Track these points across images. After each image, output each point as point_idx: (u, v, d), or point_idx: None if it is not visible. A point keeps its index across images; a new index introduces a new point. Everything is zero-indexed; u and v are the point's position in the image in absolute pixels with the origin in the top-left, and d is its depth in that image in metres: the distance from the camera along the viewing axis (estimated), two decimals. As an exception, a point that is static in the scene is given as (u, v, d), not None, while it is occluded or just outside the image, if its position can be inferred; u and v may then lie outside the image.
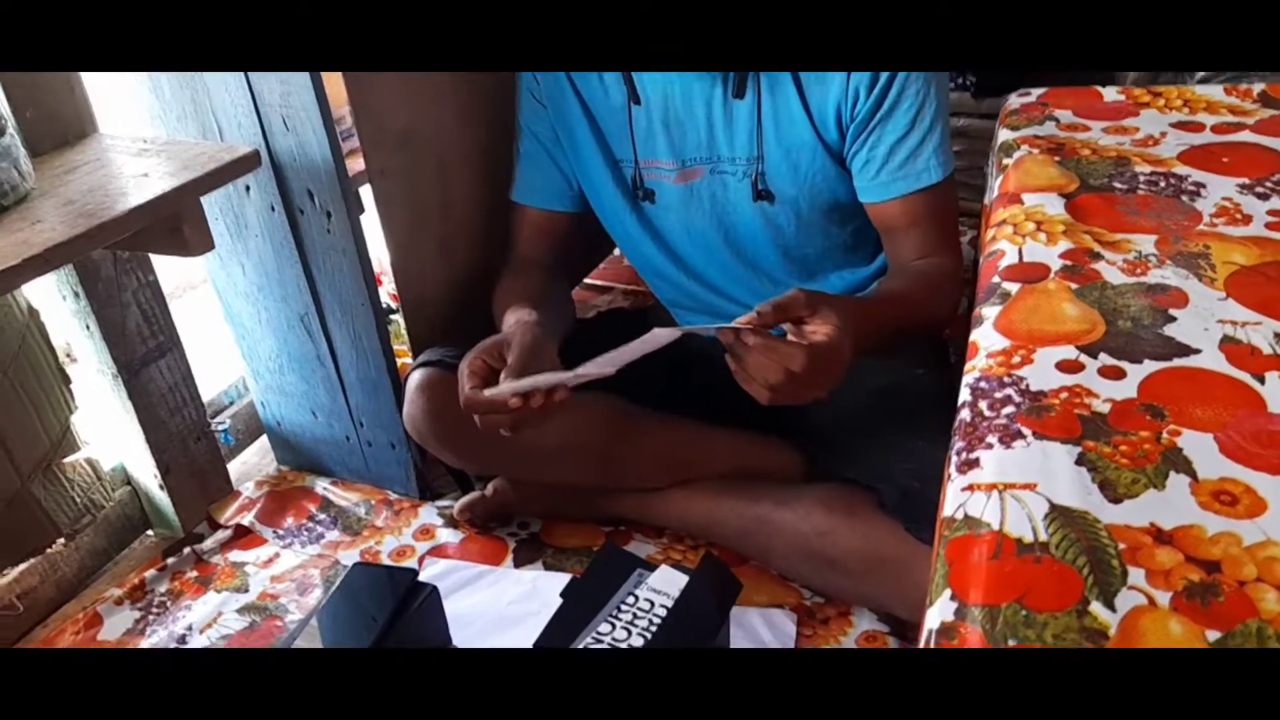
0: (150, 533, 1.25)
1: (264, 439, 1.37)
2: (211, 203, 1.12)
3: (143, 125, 1.11)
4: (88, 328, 1.09)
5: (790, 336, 0.81)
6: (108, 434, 1.19)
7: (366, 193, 1.13)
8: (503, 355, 0.89)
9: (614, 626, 0.88)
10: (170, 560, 1.17)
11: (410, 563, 1.14)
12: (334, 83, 1.05)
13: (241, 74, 1.02)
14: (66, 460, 1.13)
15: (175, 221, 0.94)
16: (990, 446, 0.57)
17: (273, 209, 1.11)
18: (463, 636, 1.01)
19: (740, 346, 0.79)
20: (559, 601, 0.98)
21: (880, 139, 0.98)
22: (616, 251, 1.70)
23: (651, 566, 0.95)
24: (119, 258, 1.09)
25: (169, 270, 1.38)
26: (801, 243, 1.09)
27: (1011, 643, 0.44)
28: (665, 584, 0.92)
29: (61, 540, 1.14)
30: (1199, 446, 0.55)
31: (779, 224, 1.07)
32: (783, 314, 0.80)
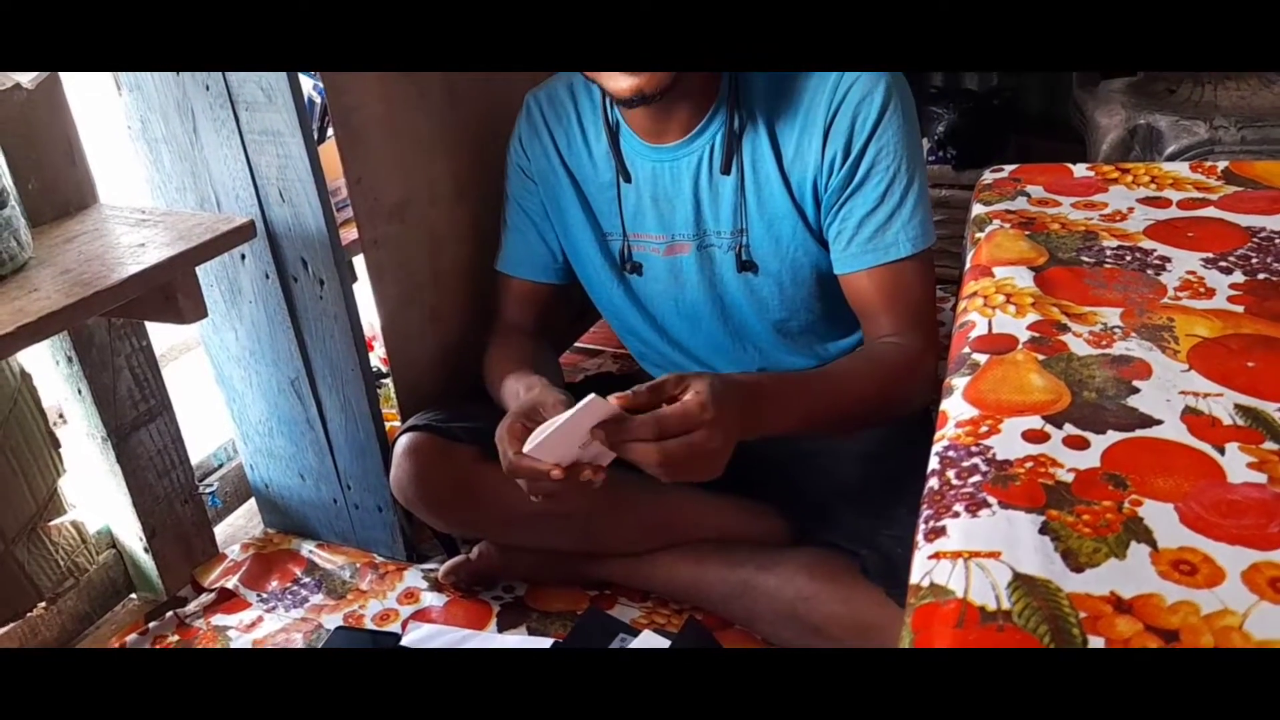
0: (133, 596, 1.24)
1: (251, 502, 1.38)
2: (207, 270, 1.14)
3: (143, 196, 1.14)
4: (79, 392, 1.11)
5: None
6: (95, 496, 1.19)
7: (359, 261, 1.16)
8: (538, 419, 0.90)
9: None
10: (152, 624, 1.17)
11: (394, 626, 1.14)
12: (330, 155, 1.08)
13: (240, 147, 1.06)
14: (52, 523, 1.14)
15: (170, 290, 0.96)
16: (957, 515, 0.58)
17: (267, 276, 1.13)
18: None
19: (606, 438, 0.82)
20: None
21: (851, 211, 1.01)
22: (606, 317, 1.73)
23: (634, 631, 0.95)
24: (113, 324, 1.11)
25: (163, 331, 1.40)
26: (786, 315, 1.11)
27: (972, 711, 0.44)
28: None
29: (43, 604, 1.13)
30: (1160, 516, 0.56)
31: (763, 296, 1.09)
32: (656, 395, 0.83)
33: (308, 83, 1.10)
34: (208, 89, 1.04)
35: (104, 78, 1.10)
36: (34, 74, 0.89)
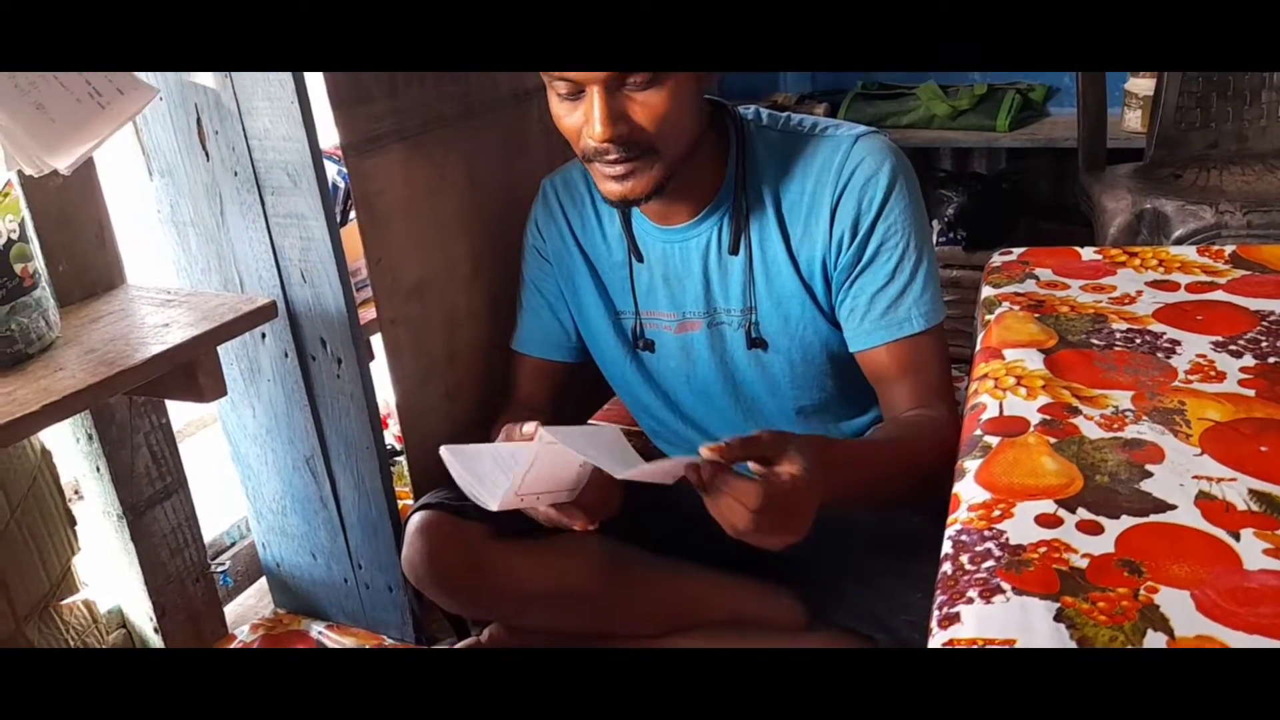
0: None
1: (262, 581, 1.37)
2: (227, 348, 1.17)
3: (170, 277, 1.17)
4: (98, 469, 1.12)
5: (755, 474, 0.82)
6: (107, 574, 1.19)
7: (377, 339, 1.18)
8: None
9: None
10: (159, 706, 1.15)
11: (402, 712, 1.12)
12: (351, 236, 1.11)
13: (265, 230, 1.09)
14: (64, 602, 1.14)
15: (191, 369, 0.98)
16: (970, 601, 0.58)
17: (286, 355, 1.15)
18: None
19: (706, 481, 0.80)
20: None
21: (862, 288, 1.02)
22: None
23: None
24: (134, 401, 1.13)
25: (180, 407, 1.42)
26: (798, 393, 1.11)
27: (989, 806, 0.43)
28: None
29: (51, 684, 1.12)
30: (1176, 603, 0.55)
31: (774, 373, 1.10)
32: (749, 450, 0.81)
33: (332, 168, 1.14)
34: (236, 174, 1.07)
35: (137, 163, 1.14)
36: (71, 160, 0.92)
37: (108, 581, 1.20)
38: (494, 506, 0.86)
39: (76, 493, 1.17)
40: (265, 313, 1.03)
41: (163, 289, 1.09)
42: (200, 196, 1.11)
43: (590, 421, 1.73)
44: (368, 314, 1.15)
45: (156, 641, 1.20)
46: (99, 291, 1.08)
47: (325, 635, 1.27)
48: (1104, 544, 0.61)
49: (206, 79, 1.04)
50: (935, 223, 2.11)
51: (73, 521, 1.14)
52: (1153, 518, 0.63)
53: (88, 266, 1.07)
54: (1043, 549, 0.61)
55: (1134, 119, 2.02)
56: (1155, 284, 1.03)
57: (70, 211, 1.04)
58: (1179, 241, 1.43)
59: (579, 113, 0.93)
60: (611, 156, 0.93)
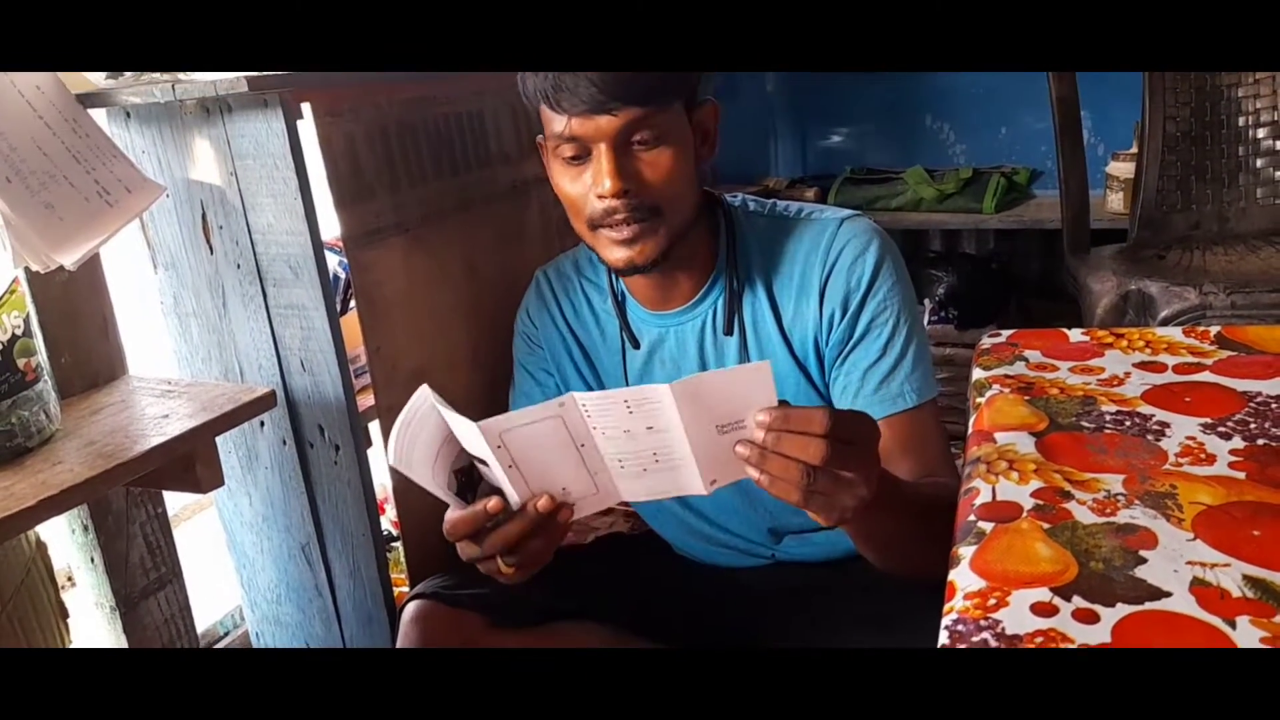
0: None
1: (255, 672, 1.35)
2: (226, 436, 1.17)
3: (171, 366, 1.19)
4: (91, 560, 1.11)
5: None
6: (98, 668, 1.18)
7: (374, 426, 1.18)
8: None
9: None
10: (146, 807, 1.12)
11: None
12: (350, 324, 1.13)
13: (266, 320, 1.10)
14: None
15: (189, 460, 0.98)
16: (969, 693, 0.57)
17: (284, 442, 1.16)
18: None
19: (757, 444, 0.73)
20: None
21: (855, 365, 1.03)
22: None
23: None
24: (130, 491, 1.13)
25: (177, 493, 1.41)
26: None
27: None
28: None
29: (36, 784, 1.10)
30: (1174, 694, 0.55)
31: None
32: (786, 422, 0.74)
33: (333, 259, 1.16)
34: (238, 267, 1.10)
35: (142, 255, 1.16)
36: (78, 257, 0.94)
37: (98, 675, 1.18)
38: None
39: (69, 579, 1.16)
40: (264, 402, 1.04)
41: (163, 379, 1.10)
42: (203, 288, 1.13)
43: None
44: (366, 401, 1.16)
45: (145, 738, 1.17)
46: (100, 383, 1.09)
47: (318, 729, 1.24)
48: (1100, 633, 0.61)
49: (213, 176, 1.07)
50: (927, 302, 2.14)
51: (65, 614, 1.12)
52: (1148, 605, 0.63)
53: (90, 358, 1.08)
54: (1039, 639, 0.61)
55: (1116, 200, 2.07)
56: (1143, 365, 1.04)
57: (75, 304, 1.06)
58: (1165, 322, 1.45)
59: (585, 177, 0.96)
60: (620, 216, 0.96)
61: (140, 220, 1.13)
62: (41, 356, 0.96)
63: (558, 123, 0.94)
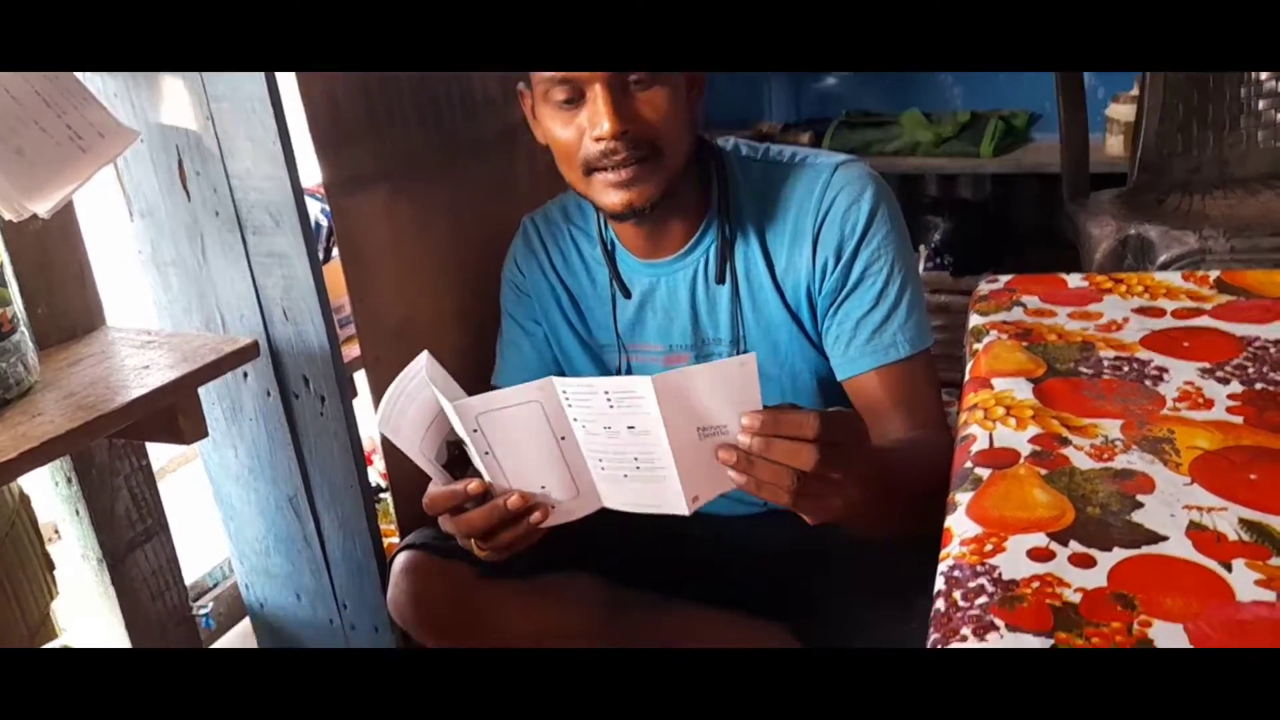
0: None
1: (246, 622, 1.35)
2: (209, 388, 1.15)
3: (150, 317, 1.16)
4: (77, 512, 1.10)
5: None
6: (87, 618, 1.17)
7: (360, 377, 1.17)
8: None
9: None
10: (140, 756, 1.12)
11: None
12: (334, 274, 1.11)
13: (247, 269, 1.08)
14: (43, 647, 1.11)
15: (172, 411, 0.97)
16: (964, 639, 0.57)
17: (268, 394, 1.14)
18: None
19: (742, 447, 0.71)
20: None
21: (847, 315, 1.01)
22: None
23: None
24: (114, 444, 1.11)
25: (163, 446, 1.40)
26: None
27: None
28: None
29: (29, 735, 1.10)
30: (1170, 638, 0.54)
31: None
32: (773, 426, 0.74)
33: (314, 205, 1.14)
34: (217, 214, 1.07)
35: (117, 204, 1.13)
36: (51, 204, 0.91)
37: (87, 626, 1.18)
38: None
39: (56, 532, 1.15)
40: (247, 353, 1.02)
41: (143, 330, 1.08)
42: (181, 237, 1.10)
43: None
44: (351, 352, 1.15)
45: (138, 689, 1.18)
46: (78, 334, 1.06)
47: (311, 679, 1.24)
48: (1097, 578, 0.60)
49: (189, 120, 1.04)
50: (921, 248, 2.11)
51: (51, 566, 1.11)
52: (1145, 549, 0.63)
53: (67, 309, 1.06)
54: (1035, 584, 0.60)
55: (1116, 144, 2.04)
56: (1141, 310, 1.03)
57: (50, 254, 1.04)
58: (1164, 267, 1.44)
59: (580, 119, 0.93)
60: (619, 156, 0.93)
61: (115, 167, 1.10)
62: (17, 307, 0.93)
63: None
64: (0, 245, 0.94)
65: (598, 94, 0.91)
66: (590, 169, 0.95)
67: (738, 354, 1.07)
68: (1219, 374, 0.86)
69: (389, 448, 1.17)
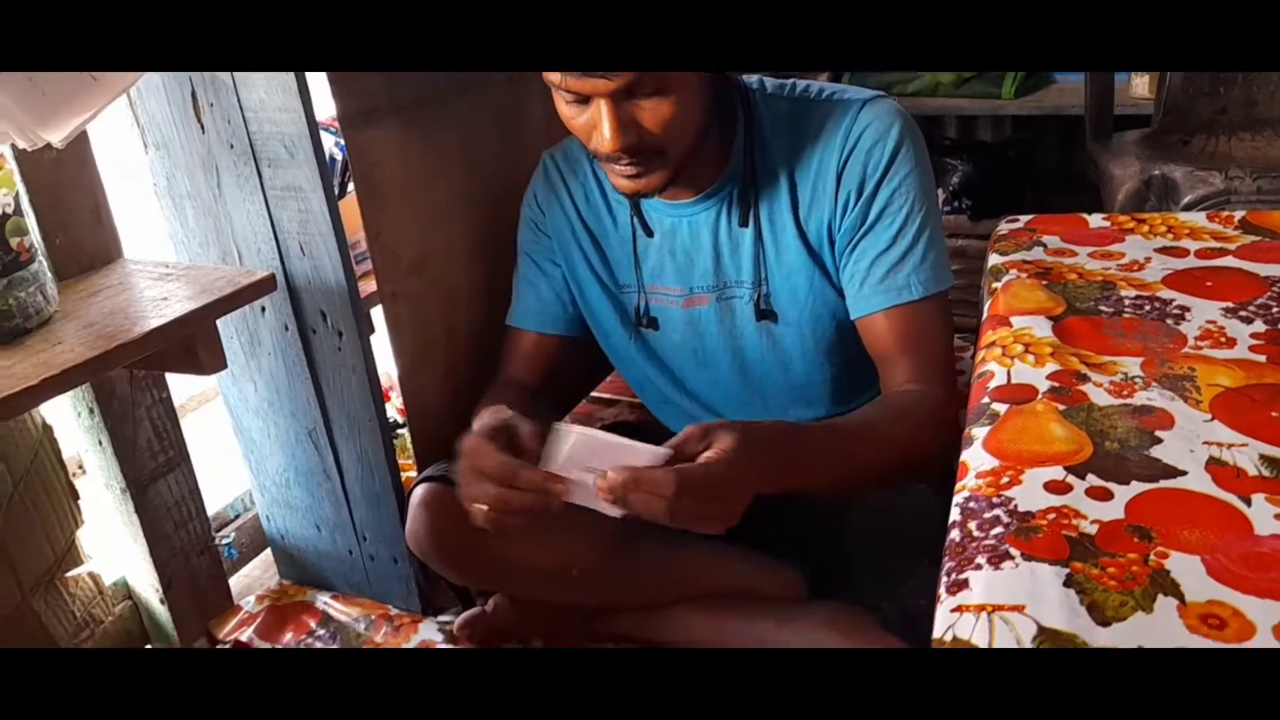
0: (149, 648, 1.24)
1: (267, 553, 1.37)
2: (227, 322, 1.16)
3: (167, 251, 1.16)
4: (100, 443, 1.11)
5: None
6: (112, 548, 1.20)
7: (377, 312, 1.17)
8: (513, 441, 0.85)
9: None
10: (166, 679, 1.16)
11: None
12: (350, 209, 1.10)
13: (262, 202, 1.07)
14: (69, 575, 1.14)
15: (190, 342, 0.97)
16: (979, 567, 0.57)
17: (286, 328, 1.14)
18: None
19: (616, 489, 0.76)
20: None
21: (863, 253, 1.00)
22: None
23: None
24: (134, 375, 1.12)
25: (181, 382, 1.41)
26: (807, 369, 1.10)
27: (999, 771, 0.43)
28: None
29: (58, 658, 1.13)
30: (1187, 569, 0.55)
31: (785, 346, 1.09)
32: (681, 450, 0.79)
33: (329, 139, 1.12)
34: (232, 147, 1.06)
35: (132, 136, 1.13)
36: (64, 133, 0.91)
37: (112, 555, 1.20)
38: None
39: (80, 468, 1.17)
40: (264, 286, 1.02)
41: (160, 263, 1.08)
42: (196, 169, 1.10)
43: (594, 395, 1.73)
44: (368, 287, 1.14)
45: (163, 613, 1.20)
46: (96, 266, 1.07)
47: (331, 606, 1.27)
48: (1114, 510, 0.61)
49: (201, 48, 1.02)
50: (940, 191, 2.09)
51: (75, 495, 1.13)
52: (1163, 483, 0.63)
53: (84, 241, 1.06)
54: (1052, 515, 0.61)
55: (1141, 85, 1.99)
56: (1164, 250, 1.02)
57: (65, 186, 1.03)
58: (1188, 208, 1.41)
59: (587, 116, 0.92)
60: (623, 162, 0.93)
61: (128, 99, 1.09)
62: (35, 237, 0.93)
63: (553, 74, 0.90)
64: (16, 175, 0.93)
65: (600, 106, 0.89)
66: (597, 158, 0.95)
67: (759, 297, 1.06)
68: (1242, 313, 0.86)
69: (406, 384, 1.18)
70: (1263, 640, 0.49)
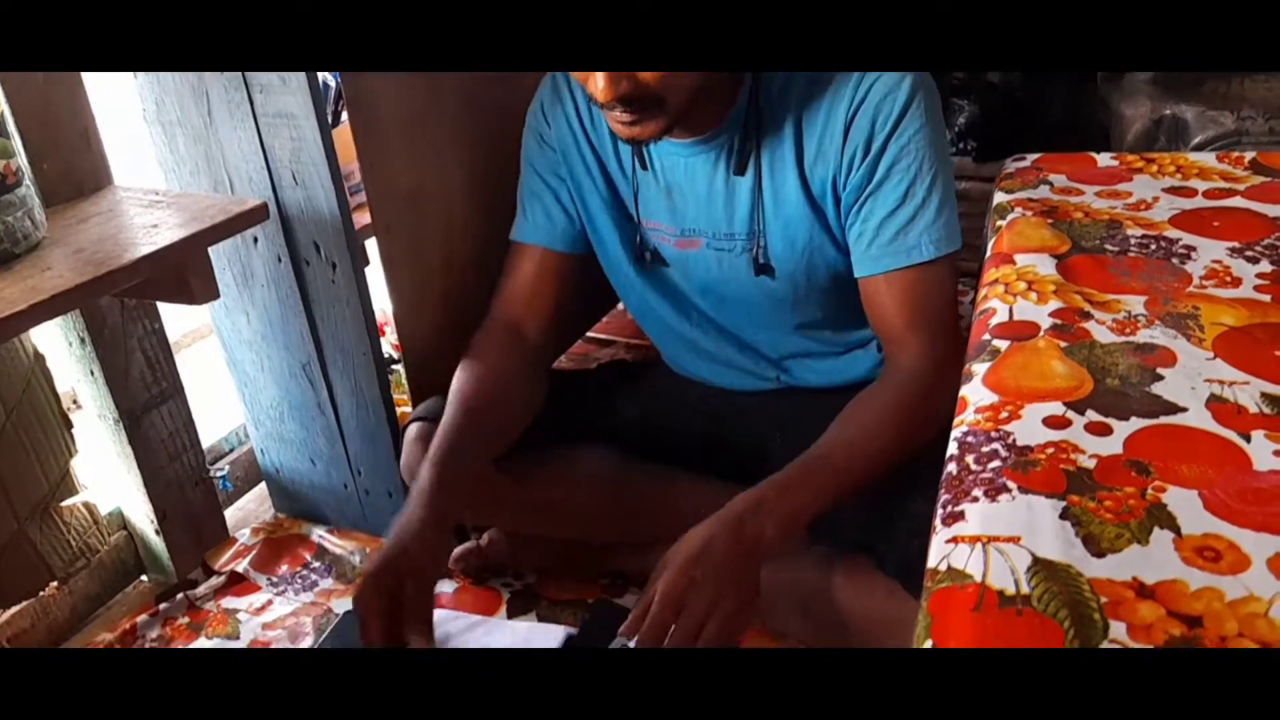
0: (144, 578, 1.25)
1: (262, 486, 1.37)
2: (220, 253, 1.14)
3: (157, 179, 1.14)
4: (91, 373, 1.11)
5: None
6: (107, 479, 1.20)
7: (372, 245, 1.15)
8: (398, 584, 0.89)
9: None
10: (163, 606, 1.17)
11: (403, 614, 1.13)
12: (344, 140, 1.08)
13: (254, 130, 1.05)
14: (64, 504, 1.14)
15: (182, 271, 0.96)
16: (975, 500, 0.57)
17: (279, 260, 1.13)
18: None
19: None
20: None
21: (871, 212, 0.97)
22: (620, 305, 1.72)
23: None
24: (126, 305, 1.11)
25: (176, 319, 1.40)
26: (799, 314, 1.09)
27: (989, 696, 0.43)
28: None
29: (55, 584, 1.14)
30: (1184, 503, 0.55)
31: (777, 297, 1.07)
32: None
33: (323, 66, 1.10)
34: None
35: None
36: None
37: (107, 485, 1.20)
38: None
39: (75, 403, 1.16)
40: (256, 214, 1.00)
41: (150, 190, 1.06)
42: (186, 95, 1.07)
43: (589, 336, 1.72)
44: (362, 219, 1.13)
45: (158, 544, 1.21)
46: (85, 192, 1.05)
47: (326, 539, 1.27)
48: (1113, 445, 0.60)
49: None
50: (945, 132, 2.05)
51: (69, 425, 1.13)
52: (1163, 419, 0.62)
53: (73, 167, 1.04)
54: (1050, 450, 0.60)
55: (1154, 26, 1.95)
56: (1172, 190, 1.00)
57: (54, 111, 1.01)
58: (1199, 148, 1.39)
59: None
60: (619, 110, 0.90)
61: (115, 18, 1.06)
62: (21, 160, 0.91)
63: None
64: (1, 98, 0.91)
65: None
66: (594, 102, 0.92)
67: (756, 250, 1.04)
68: (1248, 253, 0.85)
69: (402, 320, 1.16)
70: (1257, 573, 0.49)
